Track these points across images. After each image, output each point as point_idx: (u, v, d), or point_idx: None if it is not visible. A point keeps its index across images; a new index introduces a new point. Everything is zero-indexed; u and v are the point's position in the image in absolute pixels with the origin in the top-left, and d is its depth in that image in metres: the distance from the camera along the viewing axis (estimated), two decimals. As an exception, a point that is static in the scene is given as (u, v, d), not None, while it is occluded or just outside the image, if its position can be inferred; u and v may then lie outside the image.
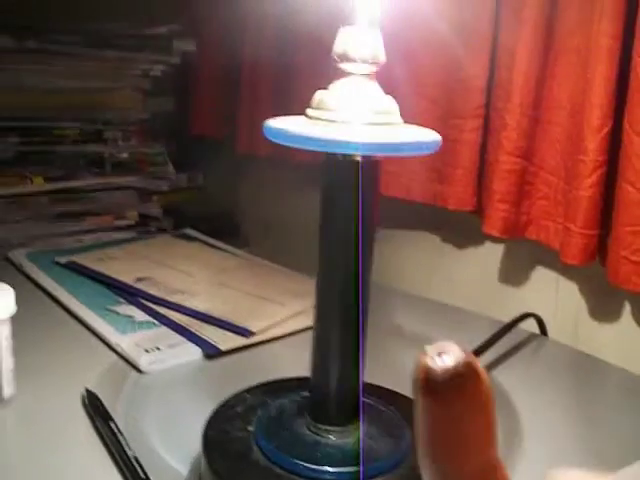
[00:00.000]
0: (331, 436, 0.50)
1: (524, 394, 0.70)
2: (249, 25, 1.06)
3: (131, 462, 0.54)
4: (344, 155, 0.45)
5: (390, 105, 0.46)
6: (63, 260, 0.94)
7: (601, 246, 0.75)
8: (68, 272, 0.91)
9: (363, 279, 0.47)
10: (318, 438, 0.50)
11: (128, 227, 1.19)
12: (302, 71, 0.97)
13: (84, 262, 0.93)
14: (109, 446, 0.57)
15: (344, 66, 0.44)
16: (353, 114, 0.44)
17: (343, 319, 0.48)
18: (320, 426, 0.50)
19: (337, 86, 0.45)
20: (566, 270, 0.87)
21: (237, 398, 0.56)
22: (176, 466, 0.55)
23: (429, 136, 0.45)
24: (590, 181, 0.71)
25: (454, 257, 0.99)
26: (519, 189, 0.80)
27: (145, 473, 0.53)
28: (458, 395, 0.25)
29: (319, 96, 0.46)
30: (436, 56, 0.84)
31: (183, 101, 1.26)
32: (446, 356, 0.25)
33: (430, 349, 0.25)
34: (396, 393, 0.59)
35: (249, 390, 0.57)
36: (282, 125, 0.44)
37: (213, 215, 1.28)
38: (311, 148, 0.42)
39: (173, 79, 1.22)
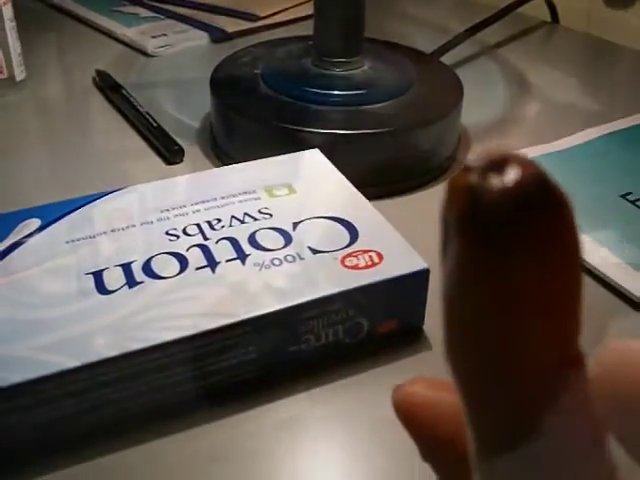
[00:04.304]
0: (336, 69, 0.50)
1: (534, 70, 0.69)
2: None
3: (144, 117, 0.55)
4: None
5: None
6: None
7: None
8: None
9: None
10: (324, 71, 0.50)
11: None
12: None
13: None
14: (122, 111, 0.58)
15: None
16: None
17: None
18: (325, 59, 0.50)
19: None
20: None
21: (243, 51, 0.56)
22: (187, 121, 0.56)
23: None
24: None
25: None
26: None
27: (157, 122, 0.54)
28: (528, 236, 0.13)
29: None
30: None
31: None
32: (508, 169, 0.13)
33: (476, 159, 0.13)
34: (399, 44, 0.58)
35: (255, 45, 0.57)
36: None
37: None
38: None
39: None
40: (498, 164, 0.13)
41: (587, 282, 0.39)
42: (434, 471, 0.17)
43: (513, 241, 0.13)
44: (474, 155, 0.13)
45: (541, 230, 0.13)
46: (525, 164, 0.13)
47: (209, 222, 0.36)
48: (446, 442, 0.17)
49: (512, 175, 0.13)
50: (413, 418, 0.17)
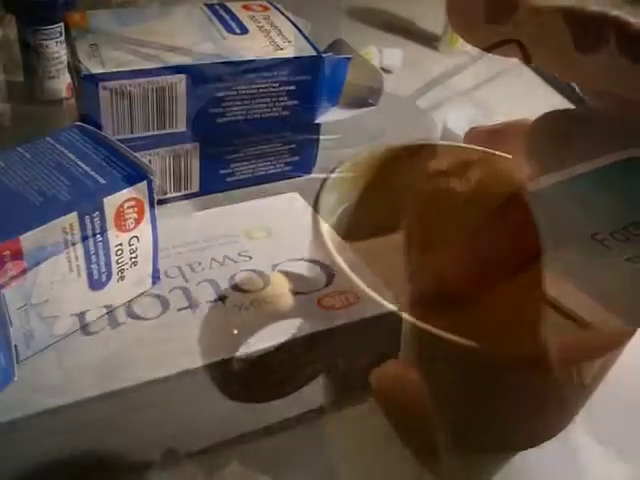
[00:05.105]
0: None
1: (508, 110, 0.71)
2: None
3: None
4: None
5: None
6: None
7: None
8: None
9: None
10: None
11: None
12: None
13: None
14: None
15: None
16: None
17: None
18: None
19: None
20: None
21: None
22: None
23: None
24: None
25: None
26: None
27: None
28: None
29: None
30: None
31: None
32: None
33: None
34: (375, 88, 0.60)
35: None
36: None
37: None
38: None
39: None
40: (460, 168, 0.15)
41: (561, 322, 0.40)
42: (414, 456, 0.18)
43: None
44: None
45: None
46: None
47: (190, 265, 0.37)
48: (421, 424, 0.18)
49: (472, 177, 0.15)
50: (389, 403, 0.18)
